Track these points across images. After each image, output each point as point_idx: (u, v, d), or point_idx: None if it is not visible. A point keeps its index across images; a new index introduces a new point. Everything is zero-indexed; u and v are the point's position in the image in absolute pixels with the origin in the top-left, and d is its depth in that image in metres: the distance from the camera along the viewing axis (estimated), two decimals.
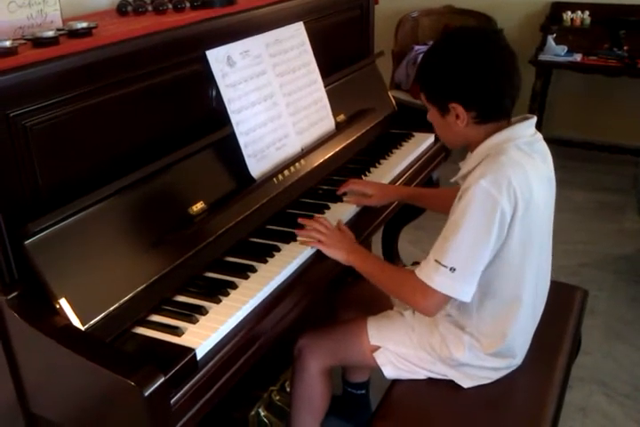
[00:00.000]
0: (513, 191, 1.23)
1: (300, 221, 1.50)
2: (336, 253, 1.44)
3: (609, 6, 3.75)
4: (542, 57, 3.65)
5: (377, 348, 1.51)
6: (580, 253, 2.97)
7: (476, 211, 1.23)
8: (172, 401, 1.03)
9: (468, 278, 1.27)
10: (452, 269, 1.25)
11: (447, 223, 1.30)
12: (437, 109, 1.35)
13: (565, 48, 3.68)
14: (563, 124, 4.09)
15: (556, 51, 3.67)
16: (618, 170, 3.81)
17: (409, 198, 1.77)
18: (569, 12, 3.80)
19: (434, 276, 1.27)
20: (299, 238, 1.46)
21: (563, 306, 1.71)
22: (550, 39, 3.69)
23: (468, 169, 1.33)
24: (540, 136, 1.38)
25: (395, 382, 1.51)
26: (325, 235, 1.46)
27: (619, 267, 2.89)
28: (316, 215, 1.57)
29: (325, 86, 1.83)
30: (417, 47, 3.83)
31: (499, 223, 1.24)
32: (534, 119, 1.36)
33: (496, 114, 1.33)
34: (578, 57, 3.68)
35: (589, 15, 3.77)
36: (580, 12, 3.79)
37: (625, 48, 3.60)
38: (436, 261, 1.27)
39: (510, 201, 1.23)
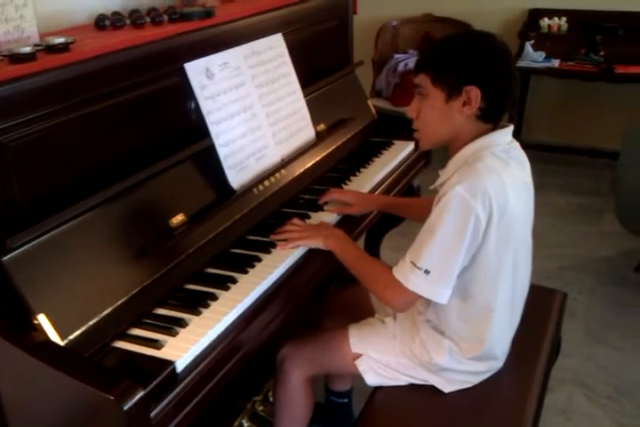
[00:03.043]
0: (488, 198, 1.25)
1: (273, 237, 1.52)
2: (314, 241, 1.47)
3: (585, 12, 3.81)
4: (520, 63, 3.69)
5: (359, 355, 1.52)
6: (560, 256, 3.00)
7: (450, 216, 1.25)
8: (152, 415, 1.03)
9: (443, 281, 1.30)
10: (427, 272, 1.28)
11: (423, 227, 1.32)
12: (445, 92, 1.32)
13: (543, 54, 3.73)
14: (542, 128, 4.14)
15: (533, 57, 3.71)
16: (596, 173, 3.86)
17: (388, 207, 1.78)
18: (546, 19, 3.86)
19: (409, 276, 1.30)
20: (278, 247, 1.47)
21: (542, 309, 1.74)
22: (528, 45, 3.74)
23: (446, 176, 1.34)
24: (516, 144, 1.40)
25: (376, 389, 1.53)
26: (298, 231, 1.49)
27: (598, 269, 2.92)
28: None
29: (305, 96, 1.85)
30: (397, 56, 3.86)
31: (472, 229, 1.26)
32: (511, 127, 1.38)
33: (496, 114, 1.35)
34: (555, 63, 3.73)
35: (566, 21, 3.84)
36: (556, 19, 3.85)
37: (601, 53, 3.65)
38: (412, 262, 1.30)
39: (485, 208, 1.25)
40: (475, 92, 1.29)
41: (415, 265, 1.29)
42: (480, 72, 1.30)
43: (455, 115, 1.33)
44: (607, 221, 3.25)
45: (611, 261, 2.99)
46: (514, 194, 1.31)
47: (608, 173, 3.61)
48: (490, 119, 1.35)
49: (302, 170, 1.79)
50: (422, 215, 1.36)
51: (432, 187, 1.42)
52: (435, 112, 1.36)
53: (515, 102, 3.77)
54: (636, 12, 3.69)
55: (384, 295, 1.39)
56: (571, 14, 3.83)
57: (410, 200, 1.86)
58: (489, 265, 1.33)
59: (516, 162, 1.37)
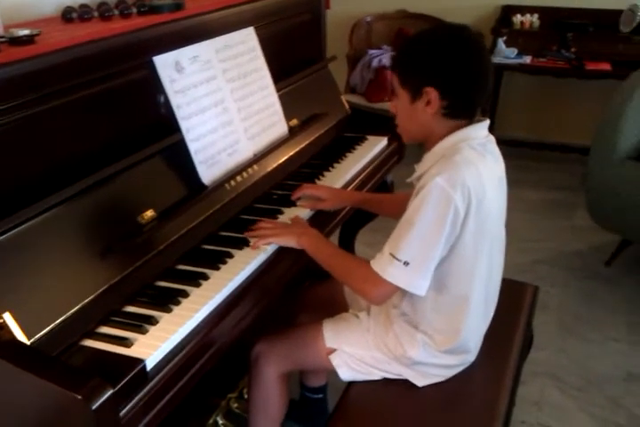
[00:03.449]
0: (467, 190, 1.26)
1: (246, 234, 1.50)
2: (287, 240, 1.47)
3: (557, 10, 3.85)
4: (493, 59, 3.71)
5: (333, 350, 1.52)
6: (533, 250, 3.04)
7: (430, 207, 1.26)
8: (122, 413, 1.01)
9: (422, 273, 1.30)
10: (406, 263, 1.28)
11: (402, 218, 1.32)
12: (409, 93, 1.35)
13: (515, 50, 3.77)
14: (514, 124, 4.17)
15: (506, 53, 3.74)
16: (568, 169, 3.91)
17: (361, 203, 1.78)
18: (519, 16, 3.89)
19: (388, 268, 1.30)
20: (251, 244, 1.46)
21: (514, 302, 1.75)
22: (501, 42, 3.77)
23: (424, 169, 1.35)
24: (492, 138, 1.41)
25: (351, 384, 1.52)
26: (271, 228, 1.49)
27: (570, 263, 2.96)
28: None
29: (278, 91, 1.83)
30: (371, 51, 3.86)
31: (452, 220, 1.26)
32: (487, 121, 1.39)
33: (465, 111, 1.35)
34: (527, 59, 3.76)
35: (538, 18, 3.87)
36: (529, 16, 3.88)
37: (572, 50, 3.70)
38: (391, 254, 1.30)
39: (464, 199, 1.26)
40: (433, 93, 1.31)
41: (394, 257, 1.29)
42: (435, 73, 1.31)
43: (421, 114, 1.35)
44: (579, 215, 3.29)
45: (582, 256, 3.03)
46: (490, 186, 1.32)
47: (579, 168, 3.66)
48: (459, 115, 1.35)
49: (275, 165, 1.78)
50: (395, 211, 1.37)
51: (409, 180, 1.42)
52: (404, 111, 1.39)
53: (489, 97, 3.82)
54: (605, 9, 3.74)
55: (362, 289, 1.39)
56: (543, 11, 3.87)
57: (383, 196, 1.86)
58: (466, 256, 1.34)
59: (491, 155, 1.38)
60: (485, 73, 1.33)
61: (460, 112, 1.35)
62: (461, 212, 1.27)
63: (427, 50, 1.32)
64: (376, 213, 1.90)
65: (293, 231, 1.49)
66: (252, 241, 1.46)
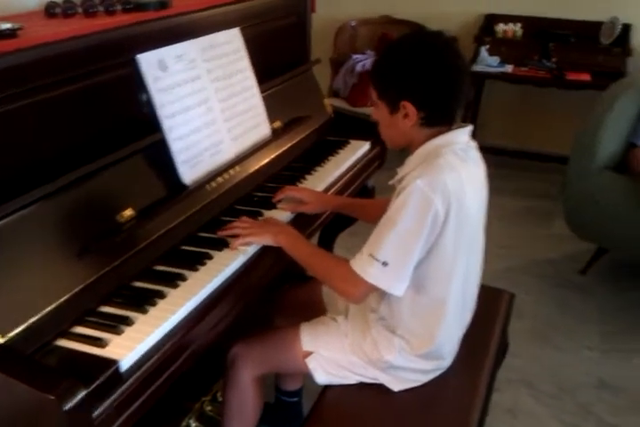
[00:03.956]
0: (447, 193, 1.26)
1: (220, 233, 1.50)
2: (264, 239, 1.46)
3: (540, 19, 3.89)
4: (476, 67, 3.74)
5: (309, 353, 1.52)
6: (509, 257, 3.06)
7: (410, 209, 1.27)
8: (95, 415, 1.00)
9: (400, 274, 1.31)
10: (385, 264, 1.29)
11: (382, 219, 1.33)
12: (387, 106, 1.36)
13: (498, 59, 3.79)
14: (495, 132, 4.21)
15: (488, 61, 3.77)
16: (546, 177, 3.94)
17: (342, 208, 1.78)
18: (501, 24, 3.92)
19: (368, 268, 1.31)
20: (230, 246, 1.45)
21: (490, 309, 1.76)
22: (483, 50, 3.79)
23: (405, 171, 1.36)
24: (474, 144, 1.42)
25: (326, 388, 1.52)
26: (247, 227, 1.48)
27: (546, 271, 2.99)
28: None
29: (262, 93, 1.83)
30: (355, 56, 3.86)
31: (431, 223, 1.27)
32: (470, 127, 1.40)
33: (443, 119, 1.36)
34: (509, 68, 3.79)
35: (521, 27, 3.90)
36: (512, 25, 3.91)
37: (553, 60, 3.73)
38: (370, 255, 1.30)
39: (444, 202, 1.27)
40: (409, 107, 1.32)
41: (373, 257, 1.30)
42: (410, 87, 1.32)
43: (400, 126, 1.36)
44: (556, 224, 3.32)
45: (558, 264, 3.06)
46: (470, 191, 1.34)
47: (558, 177, 3.69)
48: (438, 123, 1.36)
49: (257, 167, 1.77)
50: (376, 217, 1.37)
51: (391, 182, 1.43)
52: (385, 123, 1.41)
53: (469, 104, 3.85)
54: (587, 20, 3.79)
55: (341, 288, 1.39)
56: (526, 20, 3.90)
57: (364, 201, 1.86)
58: (444, 259, 1.35)
59: (473, 161, 1.39)
60: (462, 79, 1.34)
61: (439, 120, 1.36)
62: (441, 215, 1.27)
63: (399, 64, 1.32)
64: (356, 218, 1.90)
65: (270, 230, 1.48)
66: (231, 242, 1.46)
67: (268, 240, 1.47)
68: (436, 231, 1.29)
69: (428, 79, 1.31)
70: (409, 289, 1.34)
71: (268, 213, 1.64)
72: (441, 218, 1.28)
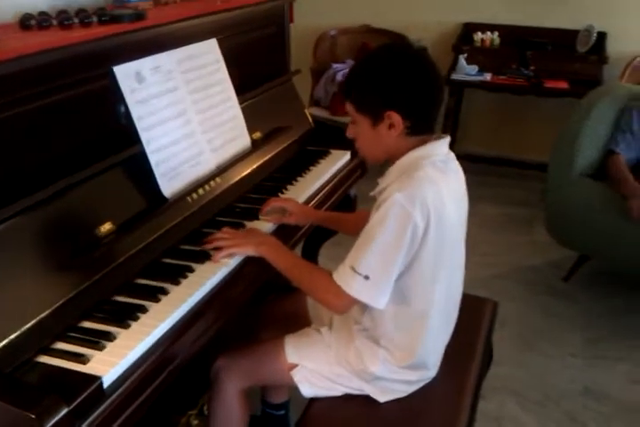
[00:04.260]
0: (426, 207, 1.26)
1: (203, 246, 1.48)
2: (246, 249, 1.46)
3: (517, 28, 3.94)
4: (454, 76, 3.78)
5: (294, 366, 1.51)
6: (491, 265, 3.07)
7: (389, 223, 1.26)
8: None
9: (382, 287, 1.31)
10: (367, 277, 1.29)
11: (363, 231, 1.33)
12: (370, 119, 1.35)
13: (476, 67, 3.82)
14: (474, 140, 4.24)
15: (467, 70, 3.80)
16: (526, 185, 3.98)
17: (324, 221, 1.78)
18: (479, 33, 3.96)
19: (350, 281, 1.31)
20: (212, 258, 1.44)
21: (473, 318, 1.76)
22: (462, 59, 3.82)
23: (386, 183, 1.35)
24: (453, 155, 1.42)
25: (312, 400, 1.51)
26: (229, 238, 1.47)
27: (528, 278, 3.00)
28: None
29: (241, 104, 1.82)
30: (335, 65, 3.88)
31: (410, 236, 1.27)
32: (448, 138, 1.41)
33: (426, 127, 1.37)
34: (488, 76, 3.82)
35: (499, 36, 3.95)
36: (489, 33, 3.95)
37: (531, 68, 3.77)
38: (352, 268, 1.30)
39: (423, 216, 1.26)
40: (395, 117, 1.32)
41: (355, 270, 1.30)
42: (395, 96, 1.31)
43: (384, 137, 1.36)
44: (537, 231, 3.34)
45: (540, 271, 3.08)
46: (450, 203, 1.33)
47: (538, 184, 3.73)
48: (421, 132, 1.36)
49: (238, 178, 1.76)
50: (357, 230, 1.37)
51: (372, 194, 1.42)
52: (366, 137, 1.40)
53: (449, 112, 3.88)
54: (563, 29, 3.84)
55: (325, 299, 1.40)
56: (503, 29, 3.95)
57: (345, 215, 1.85)
58: (425, 271, 1.35)
59: (453, 173, 1.39)
60: (441, 86, 1.36)
61: (423, 128, 1.36)
62: (420, 228, 1.27)
63: (380, 74, 1.32)
64: (338, 231, 1.90)
65: (252, 240, 1.47)
66: (213, 254, 1.44)
67: (250, 251, 1.46)
68: (416, 244, 1.29)
69: (412, 87, 1.31)
70: (391, 302, 1.34)
71: (250, 225, 1.63)
72: (420, 231, 1.28)
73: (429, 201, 1.27)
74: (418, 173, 1.30)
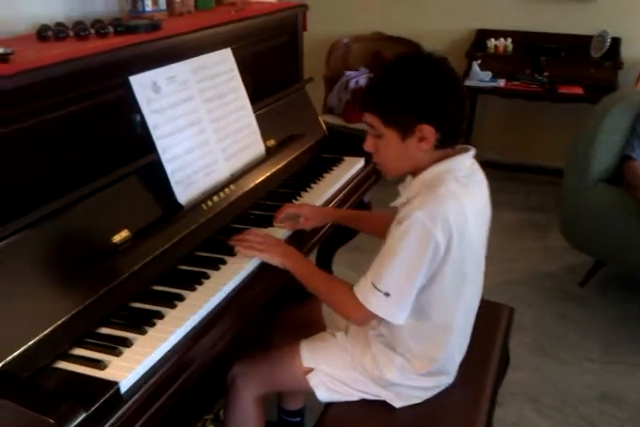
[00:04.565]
0: (448, 225, 1.25)
1: (231, 241, 1.50)
2: (272, 258, 1.46)
3: (530, 34, 3.94)
4: (468, 82, 3.77)
5: (310, 370, 1.51)
6: (507, 270, 3.06)
7: (411, 241, 1.26)
8: None
9: (402, 304, 1.31)
10: (387, 295, 1.29)
11: (384, 247, 1.32)
12: (398, 132, 1.31)
13: (490, 74, 3.82)
14: (488, 146, 4.23)
15: (480, 76, 3.80)
16: (541, 190, 3.96)
17: (342, 220, 1.78)
18: (492, 40, 3.96)
19: (370, 297, 1.31)
20: (236, 249, 1.46)
21: (490, 324, 1.75)
22: (475, 65, 3.83)
23: (407, 197, 1.33)
24: (477, 166, 1.40)
25: (328, 405, 1.51)
26: (259, 242, 1.48)
27: (544, 283, 2.99)
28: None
29: (255, 112, 1.84)
30: (348, 73, 3.89)
31: (432, 254, 1.26)
32: (472, 151, 1.38)
33: (455, 138, 1.35)
34: (501, 82, 3.82)
35: (512, 42, 3.95)
36: (503, 40, 3.95)
37: (545, 74, 3.77)
38: (373, 284, 1.31)
39: (444, 234, 1.25)
40: (428, 129, 1.29)
41: (375, 287, 1.30)
42: (426, 109, 1.29)
43: (413, 150, 1.33)
44: (553, 236, 3.32)
45: (556, 276, 3.06)
46: (473, 218, 1.32)
47: (552, 189, 3.72)
48: (449, 144, 1.34)
49: (252, 186, 1.78)
50: (379, 229, 1.37)
51: (392, 204, 1.40)
52: (392, 150, 1.36)
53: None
54: (577, 34, 3.83)
55: (345, 313, 1.41)
56: (516, 35, 3.95)
57: (367, 213, 1.86)
58: (447, 286, 1.34)
59: (476, 185, 1.38)
60: (466, 96, 1.33)
61: (452, 140, 1.34)
62: (442, 246, 1.26)
63: (407, 86, 1.29)
64: (357, 230, 1.90)
65: (279, 252, 1.47)
66: (237, 248, 1.47)
67: (276, 261, 1.46)
68: (437, 262, 1.29)
69: (442, 98, 1.28)
70: (410, 316, 1.34)
71: (265, 231, 1.63)
72: (442, 249, 1.27)
73: (451, 218, 1.25)
74: (440, 190, 1.27)
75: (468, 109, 1.35)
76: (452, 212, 1.26)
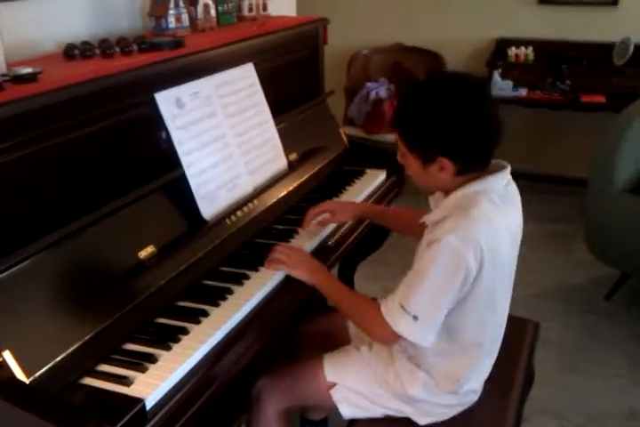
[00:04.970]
0: (480, 248, 1.24)
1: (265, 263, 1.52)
2: (300, 273, 1.47)
3: (551, 42, 3.91)
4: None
5: (334, 385, 1.50)
6: (531, 283, 3.01)
7: (441, 265, 1.25)
8: None
9: (430, 327, 1.30)
10: (415, 318, 1.28)
11: (413, 268, 1.32)
12: (420, 159, 1.31)
13: (511, 83, 3.79)
14: (511, 156, 4.10)
15: (501, 86, 3.78)
16: (565, 200, 3.91)
17: (369, 214, 1.79)
18: (513, 48, 3.94)
19: (398, 319, 1.30)
20: (266, 265, 1.49)
21: (515, 339, 1.73)
22: (496, 75, 3.81)
23: (438, 216, 1.31)
24: (513, 186, 1.38)
25: (352, 421, 1.50)
26: (288, 256, 1.49)
27: (570, 297, 2.94)
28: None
29: (277, 126, 1.85)
30: (368, 84, 3.90)
31: (463, 279, 1.25)
32: (508, 170, 1.35)
33: (480, 166, 1.32)
34: (523, 92, 3.79)
35: (533, 51, 3.92)
36: (523, 48, 3.93)
37: (567, 82, 3.74)
38: (401, 305, 1.29)
39: (476, 258, 1.24)
40: (446, 163, 1.27)
41: (404, 309, 1.29)
42: (452, 144, 1.26)
43: (435, 176, 1.32)
44: (578, 248, 3.27)
45: (582, 289, 3.01)
46: (505, 241, 1.31)
47: (576, 200, 3.67)
48: (474, 170, 1.31)
49: (275, 200, 1.78)
50: (407, 227, 1.36)
51: (421, 221, 1.39)
52: (415, 172, 1.35)
53: None
54: (599, 42, 3.80)
55: (371, 331, 1.40)
56: (537, 44, 3.92)
57: (396, 210, 1.81)
58: (477, 309, 1.33)
59: (510, 205, 1.35)
60: (498, 126, 1.29)
61: (476, 168, 1.31)
62: (473, 270, 1.25)
63: (433, 118, 1.25)
64: (385, 227, 1.91)
65: (307, 268, 1.48)
66: (266, 262, 1.49)
67: (303, 277, 1.47)
68: (468, 286, 1.28)
69: (466, 133, 1.25)
70: (437, 338, 1.33)
71: (290, 245, 1.64)
72: (473, 273, 1.26)
73: (483, 242, 1.23)
74: (472, 212, 1.25)
75: (501, 136, 1.29)
76: (484, 235, 1.24)
